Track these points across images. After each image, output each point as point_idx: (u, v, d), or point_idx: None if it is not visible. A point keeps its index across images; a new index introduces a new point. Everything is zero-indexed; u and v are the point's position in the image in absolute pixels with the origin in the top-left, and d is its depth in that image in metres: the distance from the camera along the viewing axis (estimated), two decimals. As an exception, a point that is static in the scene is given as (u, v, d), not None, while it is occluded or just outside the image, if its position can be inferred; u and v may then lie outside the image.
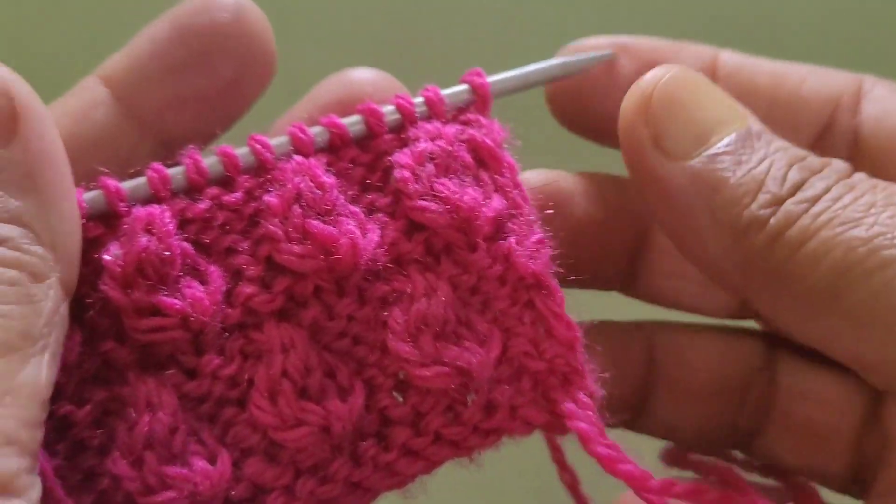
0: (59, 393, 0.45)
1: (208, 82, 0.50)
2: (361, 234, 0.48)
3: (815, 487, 0.59)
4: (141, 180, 0.49)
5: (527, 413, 0.49)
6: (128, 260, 0.46)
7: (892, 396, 0.52)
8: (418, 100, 0.53)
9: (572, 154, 0.63)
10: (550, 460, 0.56)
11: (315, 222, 0.48)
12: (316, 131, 0.51)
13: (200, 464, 0.45)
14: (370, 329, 0.49)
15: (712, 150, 0.49)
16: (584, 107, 0.59)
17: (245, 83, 0.51)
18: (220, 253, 0.49)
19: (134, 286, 0.46)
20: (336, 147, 0.51)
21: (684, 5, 1.13)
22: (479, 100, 0.54)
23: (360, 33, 1.11)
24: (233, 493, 0.46)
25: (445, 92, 0.54)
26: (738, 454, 0.61)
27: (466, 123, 0.53)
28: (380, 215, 0.50)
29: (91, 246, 0.47)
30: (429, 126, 0.52)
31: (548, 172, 0.59)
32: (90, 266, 0.47)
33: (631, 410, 0.60)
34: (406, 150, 0.51)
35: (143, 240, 0.46)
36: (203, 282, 0.47)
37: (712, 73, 0.58)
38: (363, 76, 0.53)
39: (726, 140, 0.49)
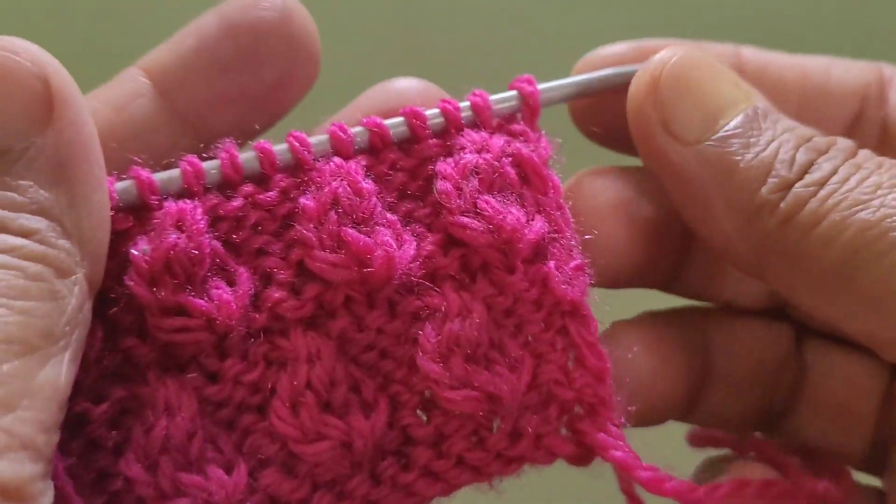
0: (76, 388, 0.44)
1: (253, 81, 0.48)
2: (397, 245, 0.47)
3: (846, 467, 0.59)
4: (174, 172, 0.47)
5: (552, 443, 0.48)
6: (155, 257, 0.44)
7: None
8: (464, 104, 0.51)
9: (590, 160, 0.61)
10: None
11: (351, 231, 0.46)
12: (356, 131, 0.49)
13: (216, 472, 0.44)
14: (399, 344, 0.47)
15: (721, 133, 0.49)
16: (606, 116, 0.57)
17: (289, 84, 0.49)
18: (250, 253, 0.47)
19: (160, 284, 0.44)
20: (377, 149, 0.49)
21: (686, 5, 1.11)
22: (528, 109, 0.52)
23: (393, 39, 1.09)
24: None
25: (493, 98, 0.52)
26: (758, 435, 0.61)
27: (513, 135, 0.51)
28: (417, 226, 0.49)
29: (119, 238, 0.45)
30: (475, 136, 0.50)
31: (607, 172, 0.57)
32: (116, 259, 0.45)
33: (688, 401, 0.59)
34: (450, 159, 0.49)
35: (173, 237, 0.45)
36: (231, 283, 0.46)
37: (739, 72, 0.56)
38: (408, 86, 0.52)
39: (734, 122, 0.50)
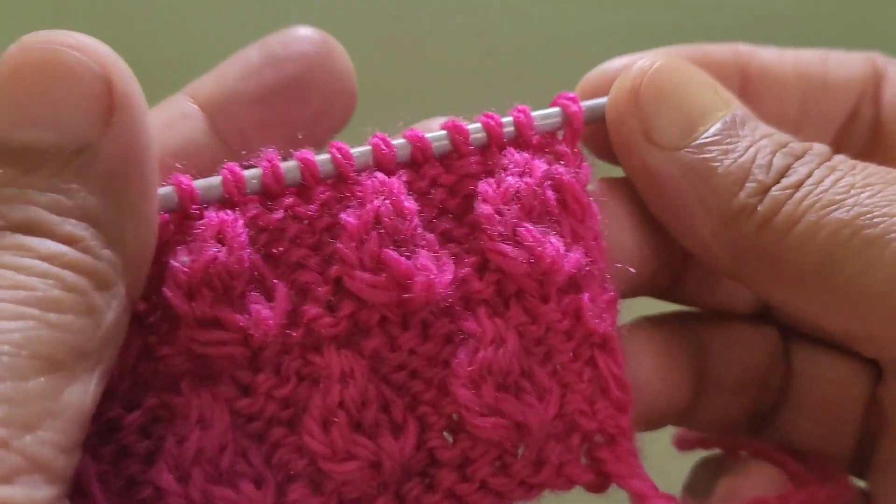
0: (110, 394, 0.44)
1: (296, 110, 0.49)
2: (437, 269, 0.46)
3: (840, 467, 0.60)
4: (214, 180, 0.46)
5: (573, 471, 0.49)
6: (195, 269, 0.44)
7: (886, 369, 0.54)
8: (506, 119, 0.50)
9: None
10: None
11: (392, 253, 0.46)
12: (398, 144, 0.49)
13: (247, 486, 0.45)
14: (430, 366, 0.48)
15: (700, 140, 0.50)
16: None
17: (329, 115, 0.51)
18: (288, 266, 0.47)
19: (198, 296, 0.44)
20: (418, 163, 0.49)
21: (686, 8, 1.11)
22: (571, 129, 0.51)
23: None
24: None
25: (535, 114, 0.51)
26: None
27: (555, 155, 0.50)
28: (453, 245, 0.48)
29: (158, 245, 0.45)
30: (518, 157, 0.49)
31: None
32: (155, 267, 0.45)
33: (689, 404, 0.60)
34: (491, 180, 0.49)
35: (213, 250, 0.44)
36: (269, 297, 0.46)
37: (745, 73, 0.58)
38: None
39: (713, 129, 0.51)
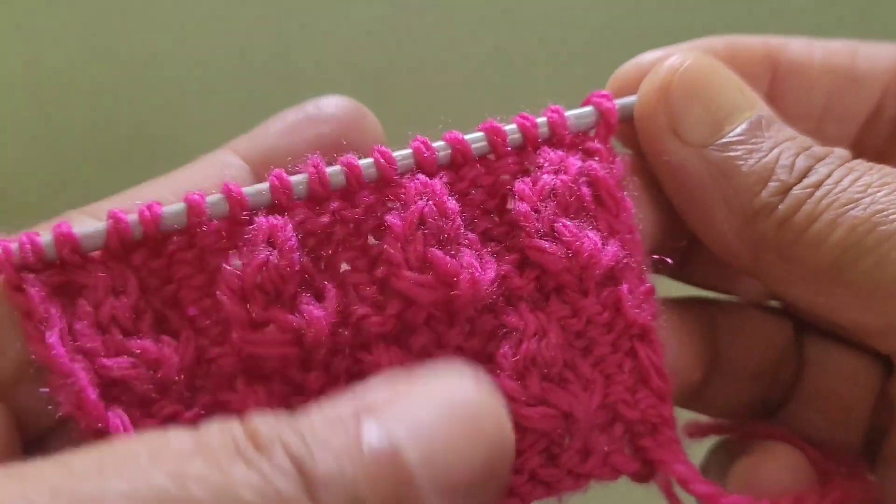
0: (166, 391, 0.45)
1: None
2: (480, 267, 0.48)
3: (861, 459, 0.60)
4: (262, 186, 0.47)
5: (617, 460, 0.50)
6: (247, 273, 0.45)
7: None
8: (541, 120, 0.52)
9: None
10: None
11: (437, 252, 0.47)
12: (438, 146, 0.50)
13: None
14: (475, 361, 0.49)
15: (726, 139, 0.51)
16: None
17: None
18: (335, 268, 0.48)
19: (251, 299, 0.45)
20: (458, 164, 0.50)
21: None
22: (604, 126, 0.52)
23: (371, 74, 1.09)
24: None
25: (569, 113, 0.52)
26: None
27: (589, 152, 0.52)
28: (493, 244, 0.50)
29: (210, 252, 0.46)
30: (552, 155, 0.50)
31: None
32: (206, 272, 0.46)
33: (700, 387, 0.61)
34: (527, 179, 0.50)
35: (265, 253, 0.45)
36: (318, 298, 0.47)
37: (774, 65, 0.59)
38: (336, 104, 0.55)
39: (739, 128, 0.52)
